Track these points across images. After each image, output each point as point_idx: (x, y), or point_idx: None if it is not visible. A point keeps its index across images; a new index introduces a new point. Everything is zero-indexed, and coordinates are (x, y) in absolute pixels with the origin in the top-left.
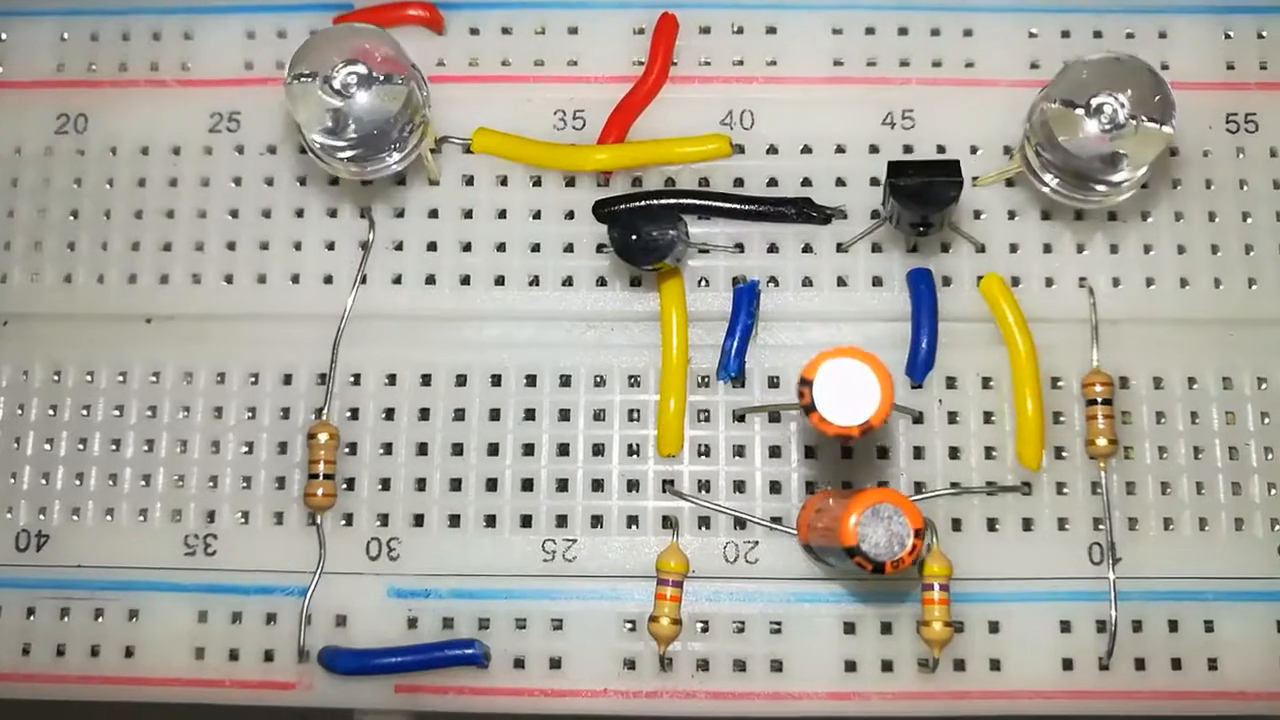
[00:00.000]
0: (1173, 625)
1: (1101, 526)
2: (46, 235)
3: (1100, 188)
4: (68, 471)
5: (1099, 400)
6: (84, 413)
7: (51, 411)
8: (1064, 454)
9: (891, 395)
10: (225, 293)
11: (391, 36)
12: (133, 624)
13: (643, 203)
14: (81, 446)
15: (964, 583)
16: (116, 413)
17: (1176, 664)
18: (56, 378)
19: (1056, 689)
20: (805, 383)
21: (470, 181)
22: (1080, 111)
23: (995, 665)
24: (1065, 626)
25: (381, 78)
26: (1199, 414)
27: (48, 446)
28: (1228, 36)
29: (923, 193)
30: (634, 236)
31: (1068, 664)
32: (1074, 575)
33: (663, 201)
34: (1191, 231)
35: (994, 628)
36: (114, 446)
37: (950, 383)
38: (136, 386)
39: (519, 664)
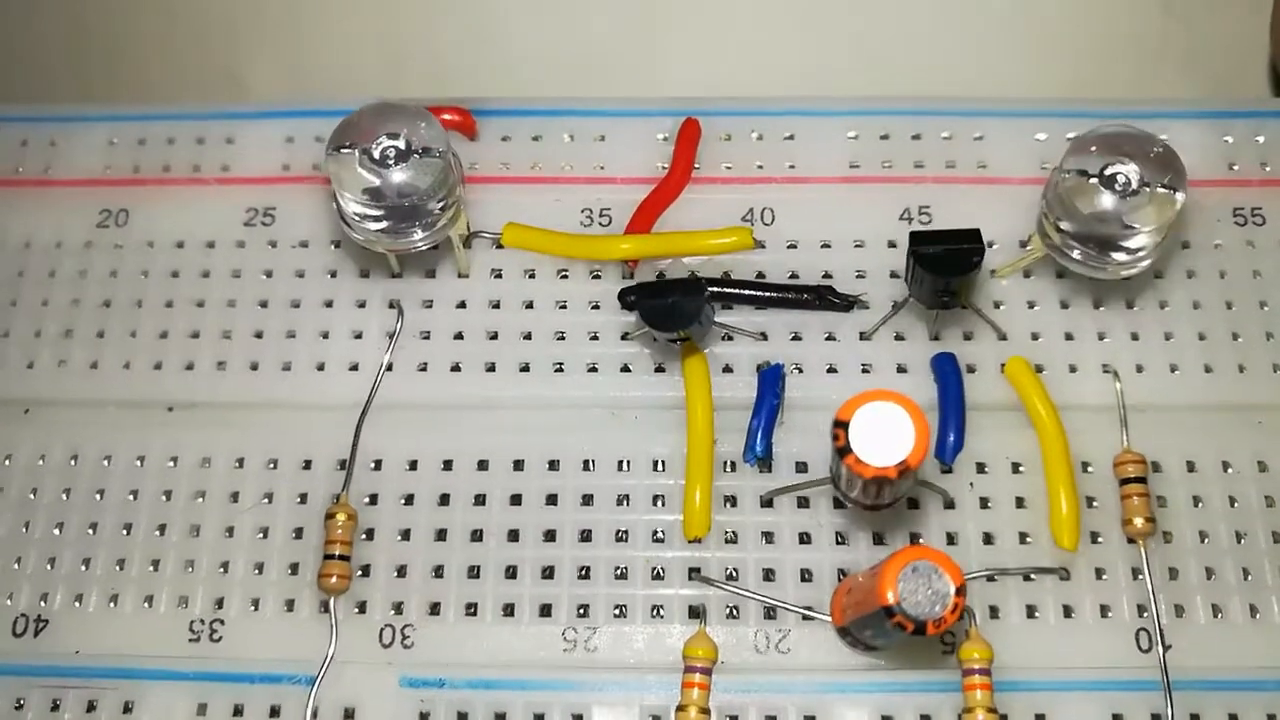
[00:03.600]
0: (1233, 719)
1: (1146, 613)
2: (78, 323)
3: (1120, 255)
4: (74, 555)
5: (1133, 479)
6: (97, 497)
7: (65, 495)
8: (1100, 539)
9: (927, 436)
10: (249, 380)
11: (431, 115)
12: (128, 717)
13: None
14: (91, 531)
15: (1005, 672)
16: (131, 497)
17: None
18: (74, 462)
19: None
20: (840, 425)
21: (499, 275)
22: (1094, 180)
23: None
24: (1117, 719)
25: (420, 151)
26: (1237, 498)
27: (57, 531)
28: (1226, 141)
29: (946, 260)
30: (662, 302)
31: None
32: (1121, 664)
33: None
34: (1210, 320)
35: None
36: (125, 531)
37: (980, 468)
38: (153, 471)
39: None
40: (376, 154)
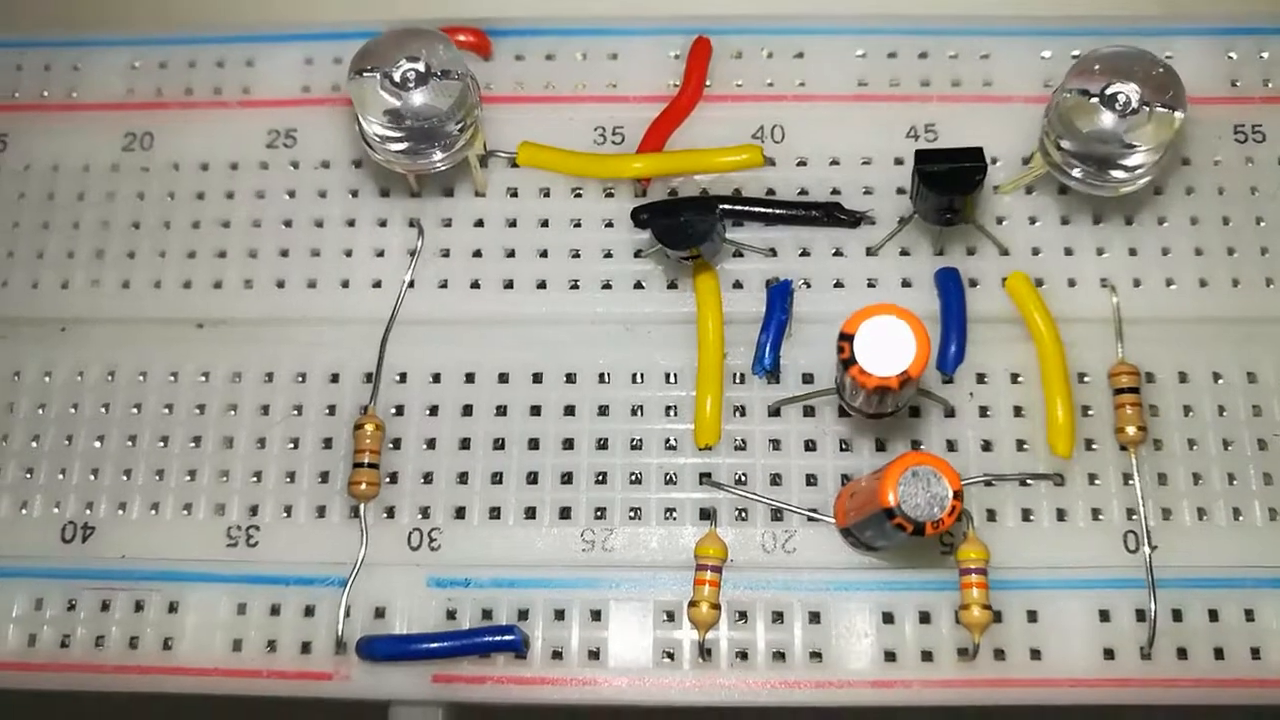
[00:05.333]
0: (1213, 614)
1: (1135, 516)
2: (108, 244)
3: (1119, 174)
4: (116, 467)
5: (1126, 389)
6: (134, 411)
7: (104, 410)
8: (1094, 446)
9: (928, 348)
10: (276, 297)
11: (448, 38)
12: (173, 615)
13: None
14: (130, 443)
15: (1000, 572)
16: (166, 411)
17: (1219, 653)
18: (110, 378)
19: (1098, 677)
20: (845, 337)
21: (515, 194)
22: (1095, 100)
23: (1035, 654)
24: (1104, 616)
25: (439, 74)
26: (1226, 407)
27: (98, 444)
28: (1230, 57)
29: (949, 177)
30: (674, 220)
31: (1109, 653)
32: (1110, 564)
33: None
34: (1207, 235)
35: (1032, 617)
36: (162, 443)
37: (980, 378)
38: (186, 386)
39: (557, 654)
40: (397, 77)
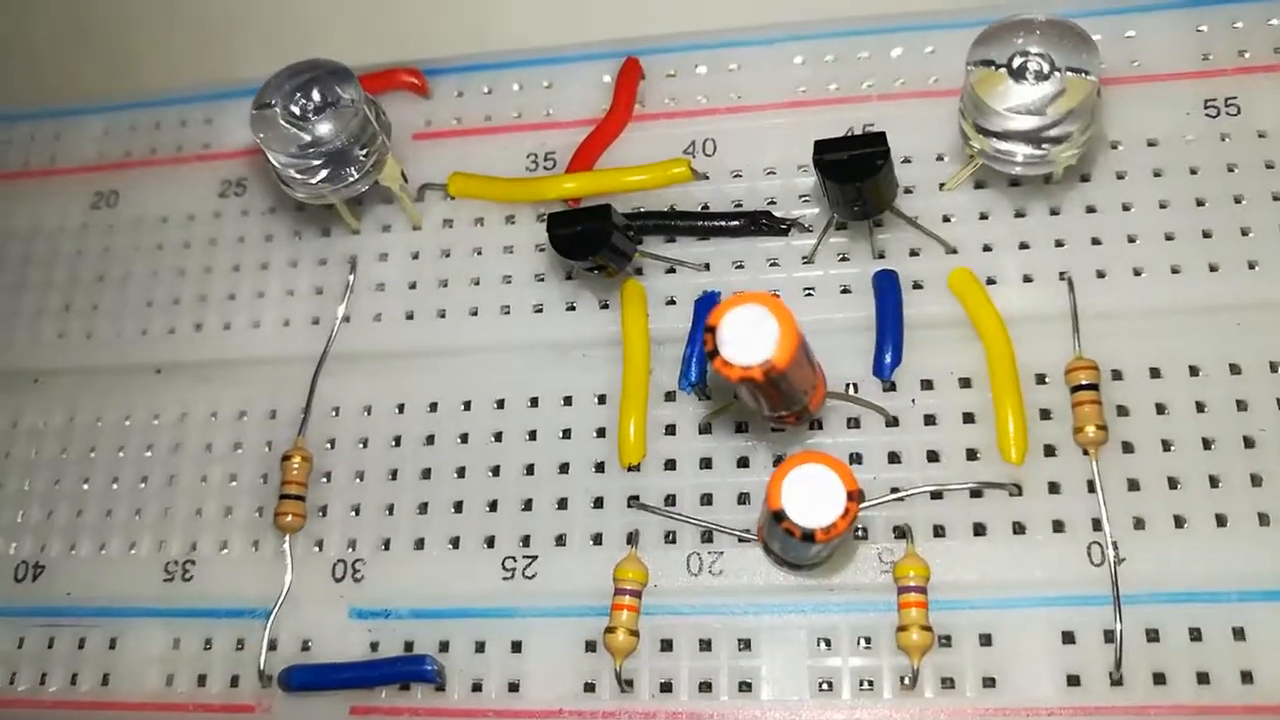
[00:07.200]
0: (1195, 633)
1: (1101, 527)
2: (75, 298)
3: (1047, 147)
4: (69, 508)
5: (1084, 386)
6: (91, 454)
7: (62, 454)
8: (1056, 452)
9: (794, 334)
10: (223, 339)
11: (346, 68)
12: (112, 651)
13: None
14: (85, 485)
15: (949, 591)
16: (120, 453)
17: (1203, 677)
18: (71, 423)
19: (1061, 706)
20: (709, 329)
21: (450, 224)
22: (1002, 70)
23: (989, 682)
24: (1068, 637)
25: (334, 102)
26: (1205, 403)
27: (56, 485)
28: (1200, 30)
29: (849, 165)
30: (571, 230)
31: (1073, 679)
32: (1072, 580)
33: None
34: (1179, 218)
35: (986, 640)
36: (113, 484)
37: (926, 385)
38: (138, 429)
39: (477, 686)
40: (296, 109)
